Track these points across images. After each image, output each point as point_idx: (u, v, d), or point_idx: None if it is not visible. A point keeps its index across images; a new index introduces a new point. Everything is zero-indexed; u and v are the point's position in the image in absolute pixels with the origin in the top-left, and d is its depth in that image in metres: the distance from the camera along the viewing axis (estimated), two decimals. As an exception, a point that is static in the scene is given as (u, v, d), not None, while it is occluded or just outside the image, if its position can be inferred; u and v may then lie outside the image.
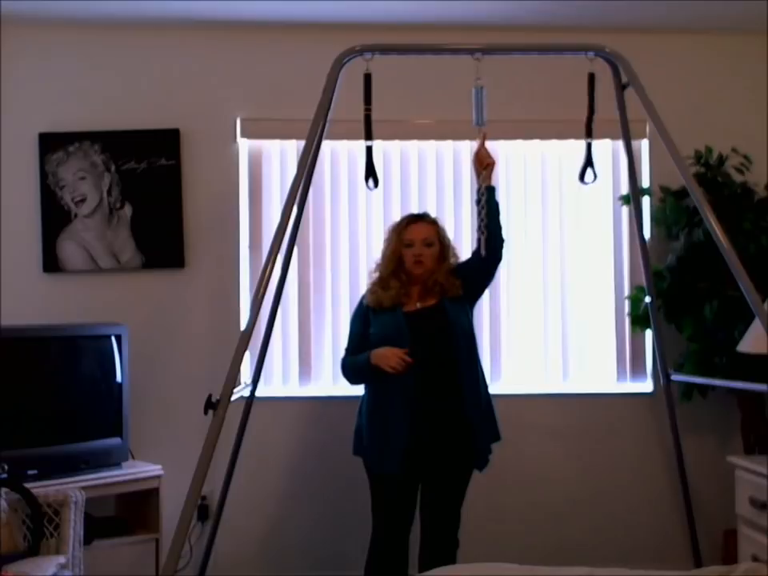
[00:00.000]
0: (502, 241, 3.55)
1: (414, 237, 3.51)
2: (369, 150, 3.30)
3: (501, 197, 4.42)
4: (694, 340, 4.15)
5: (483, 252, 3.36)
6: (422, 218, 3.61)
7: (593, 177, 3.38)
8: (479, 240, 3.41)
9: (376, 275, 3.60)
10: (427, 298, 3.52)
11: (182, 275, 4.37)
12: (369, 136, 3.27)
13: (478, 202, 3.47)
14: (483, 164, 3.50)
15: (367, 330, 3.55)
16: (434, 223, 3.60)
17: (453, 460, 3.44)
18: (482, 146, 3.49)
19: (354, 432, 3.56)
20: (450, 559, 3.44)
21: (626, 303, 4.42)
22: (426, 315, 3.48)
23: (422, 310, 3.49)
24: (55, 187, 4.30)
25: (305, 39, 4.35)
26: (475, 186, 3.57)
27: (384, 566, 3.46)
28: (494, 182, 4.41)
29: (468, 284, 3.55)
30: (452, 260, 3.59)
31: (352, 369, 3.58)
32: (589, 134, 3.34)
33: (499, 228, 3.53)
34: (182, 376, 4.31)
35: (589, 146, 3.35)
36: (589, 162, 3.35)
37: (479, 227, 3.43)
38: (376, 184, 3.30)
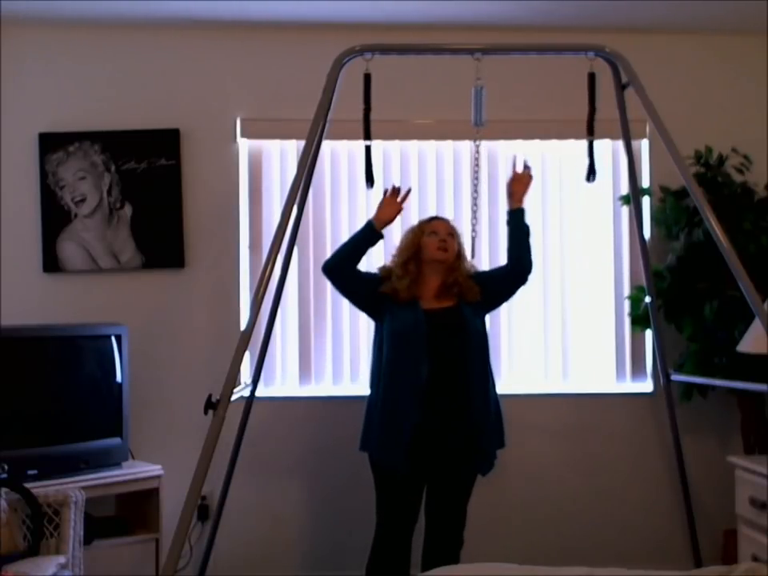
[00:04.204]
0: (530, 264, 3.62)
1: (438, 228, 3.57)
2: (368, 149, 3.33)
3: (501, 197, 4.46)
4: (694, 340, 4.15)
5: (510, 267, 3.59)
6: (441, 217, 3.71)
7: (593, 177, 3.41)
8: (510, 258, 3.59)
9: (384, 266, 3.63)
10: (444, 298, 3.52)
11: (182, 275, 4.37)
12: (368, 136, 3.29)
13: (509, 222, 3.61)
14: (523, 186, 3.62)
15: (372, 285, 3.55)
16: (452, 224, 3.67)
17: (459, 460, 3.44)
18: (522, 169, 3.62)
19: (363, 428, 3.53)
20: (454, 559, 3.43)
21: (626, 303, 4.42)
22: (443, 315, 3.48)
23: (440, 310, 3.49)
24: (55, 187, 4.30)
25: (305, 39, 4.35)
26: (474, 192, 3.61)
27: (386, 565, 3.45)
28: (493, 182, 4.46)
29: (487, 294, 3.58)
30: (466, 263, 3.62)
31: (344, 243, 3.63)
32: (590, 132, 3.36)
33: (529, 252, 3.61)
34: (181, 376, 4.31)
35: (591, 145, 3.38)
36: (591, 161, 3.39)
37: (511, 246, 3.60)
38: (372, 184, 3.36)
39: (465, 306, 3.50)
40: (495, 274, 3.74)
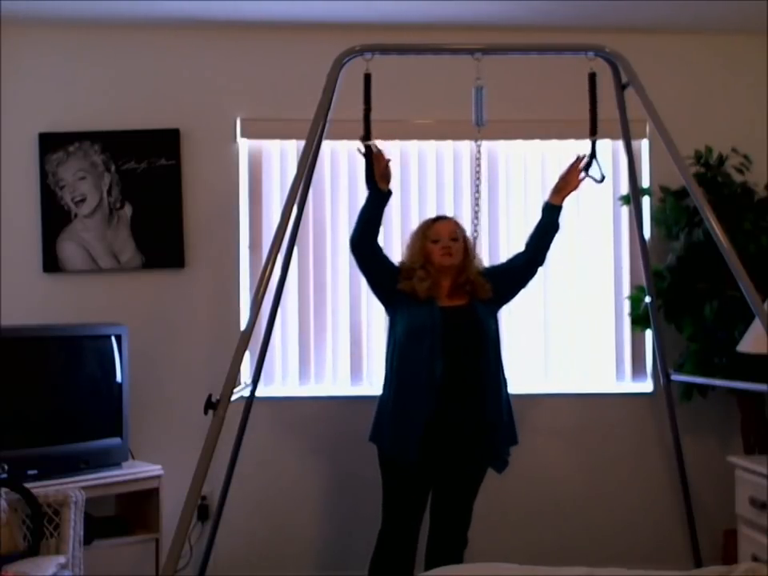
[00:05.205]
0: (545, 260, 3.65)
1: (440, 232, 3.53)
2: (368, 149, 3.33)
3: (501, 197, 4.47)
4: (694, 340, 4.15)
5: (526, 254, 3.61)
6: (444, 218, 3.66)
7: (600, 175, 3.44)
8: (529, 249, 3.61)
9: (404, 263, 3.59)
10: (456, 297, 3.51)
11: (182, 275, 4.37)
12: (368, 136, 3.30)
13: (545, 214, 3.61)
14: (572, 186, 3.60)
15: (392, 272, 3.54)
16: (456, 223, 3.62)
17: (470, 458, 3.44)
18: (574, 169, 3.58)
19: (374, 421, 3.52)
20: (457, 559, 3.42)
21: (626, 303, 4.42)
22: (457, 314, 3.47)
23: (454, 308, 3.48)
24: (55, 187, 4.30)
25: (305, 39, 4.35)
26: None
27: (391, 562, 3.45)
28: (494, 182, 4.47)
29: (499, 288, 3.57)
30: (475, 260, 3.60)
31: (359, 213, 3.56)
32: (594, 132, 3.37)
33: (548, 248, 3.64)
34: (181, 376, 4.31)
35: (593, 144, 3.40)
36: (593, 158, 3.41)
37: (534, 237, 3.61)
38: (372, 177, 3.39)
39: (478, 304, 3.49)
40: (506, 267, 3.71)
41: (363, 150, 3.39)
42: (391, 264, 3.59)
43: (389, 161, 3.46)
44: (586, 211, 4.50)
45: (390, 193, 3.50)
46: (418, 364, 3.38)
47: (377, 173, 3.44)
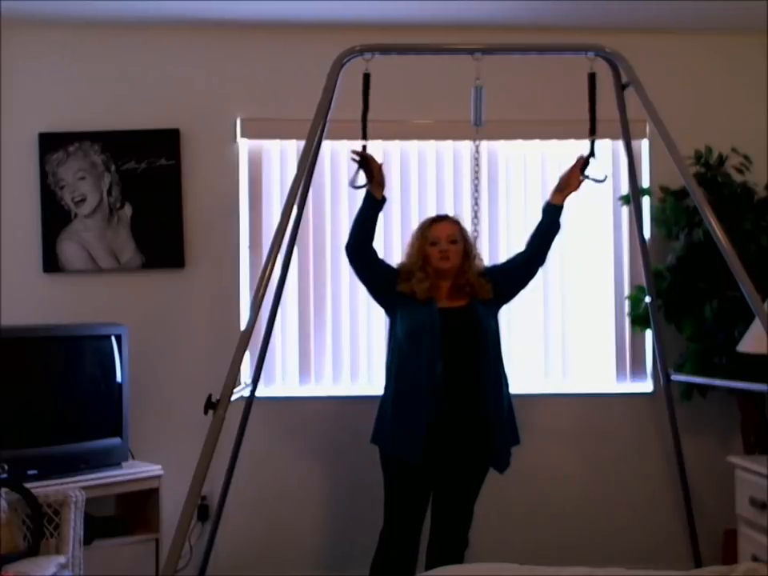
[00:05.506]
0: (545, 260, 3.62)
1: (439, 234, 3.50)
2: (364, 149, 3.34)
3: (501, 197, 4.47)
4: (694, 340, 4.15)
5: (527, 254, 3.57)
6: (445, 218, 3.62)
7: (603, 175, 3.44)
8: (531, 249, 3.57)
9: (404, 264, 3.58)
10: (457, 297, 3.50)
11: (182, 275, 4.37)
12: (365, 135, 3.30)
13: (546, 213, 3.57)
14: (574, 187, 3.55)
15: (390, 275, 3.53)
16: (456, 223, 3.59)
17: (472, 458, 3.44)
18: (575, 169, 3.54)
19: (375, 422, 3.52)
20: (458, 559, 3.42)
21: (626, 303, 4.42)
22: (457, 314, 3.46)
23: (453, 309, 3.47)
24: (55, 187, 4.30)
25: (305, 39, 4.35)
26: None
27: (392, 562, 3.44)
28: (494, 182, 4.47)
29: (499, 288, 3.56)
30: (476, 261, 3.59)
31: (354, 219, 3.55)
32: (593, 132, 3.37)
33: (549, 248, 3.60)
34: (182, 376, 4.32)
35: (592, 144, 3.41)
36: (590, 158, 3.42)
37: (535, 237, 3.57)
38: (371, 182, 3.39)
39: (478, 304, 3.48)
40: (507, 266, 3.69)
41: (357, 157, 3.39)
42: (388, 267, 3.59)
43: (381, 165, 3.46)
44: (586, 211, 4.50)
45: (384, 200, 3.50)
46: (419, 365, 3.38)
47: (374, 178, 3.44)
